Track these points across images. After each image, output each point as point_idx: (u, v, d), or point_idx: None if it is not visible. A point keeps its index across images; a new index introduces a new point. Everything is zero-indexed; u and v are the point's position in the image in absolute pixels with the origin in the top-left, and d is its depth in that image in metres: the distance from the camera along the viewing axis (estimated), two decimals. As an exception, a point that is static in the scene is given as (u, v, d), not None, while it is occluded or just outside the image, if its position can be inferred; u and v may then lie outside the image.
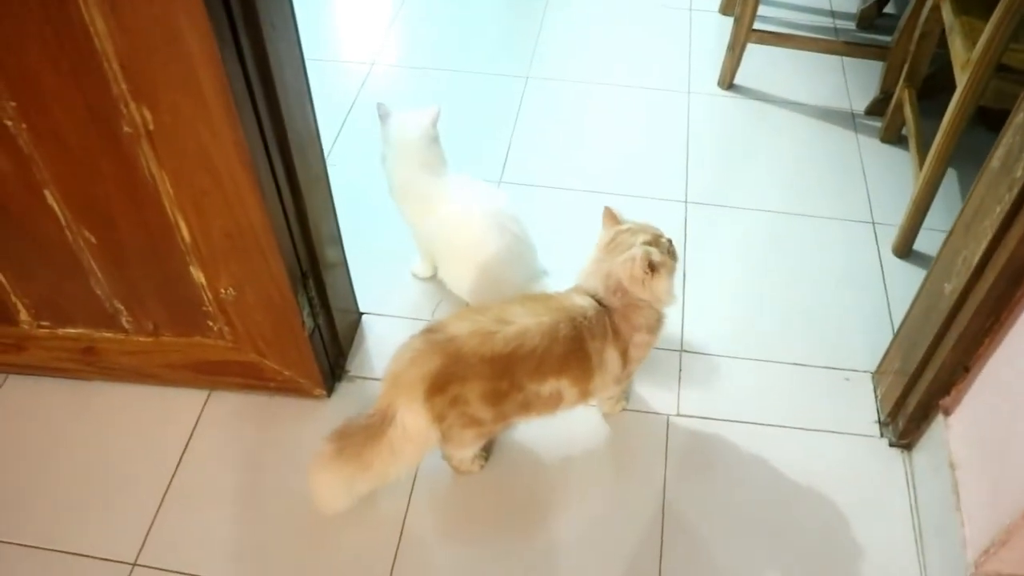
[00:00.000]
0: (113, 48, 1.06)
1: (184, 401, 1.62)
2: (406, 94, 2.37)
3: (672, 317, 1.48)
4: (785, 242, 1.97)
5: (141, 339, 1.55)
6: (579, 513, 1.50)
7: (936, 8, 1.89)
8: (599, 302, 1.40)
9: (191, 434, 1.58)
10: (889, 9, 2.62)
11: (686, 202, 2.05)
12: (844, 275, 1.90)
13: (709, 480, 1.54)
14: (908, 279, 1.86)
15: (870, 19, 2.60)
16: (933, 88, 2.11)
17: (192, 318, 1.49)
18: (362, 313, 1.78)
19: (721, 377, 1.70)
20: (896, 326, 1.74)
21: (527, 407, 1.38)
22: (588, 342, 1.37)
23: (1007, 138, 1.25)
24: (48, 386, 1.65)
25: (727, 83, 2.38)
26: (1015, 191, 1.20)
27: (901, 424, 1.55)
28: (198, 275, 1.39)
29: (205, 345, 1.54)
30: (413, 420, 1.31)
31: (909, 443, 1.56)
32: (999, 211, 1.23)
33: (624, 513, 1.49)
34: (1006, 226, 1.23)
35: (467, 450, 1.47)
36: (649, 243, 1.39)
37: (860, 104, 2.33)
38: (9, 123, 1.18)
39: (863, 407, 1.64)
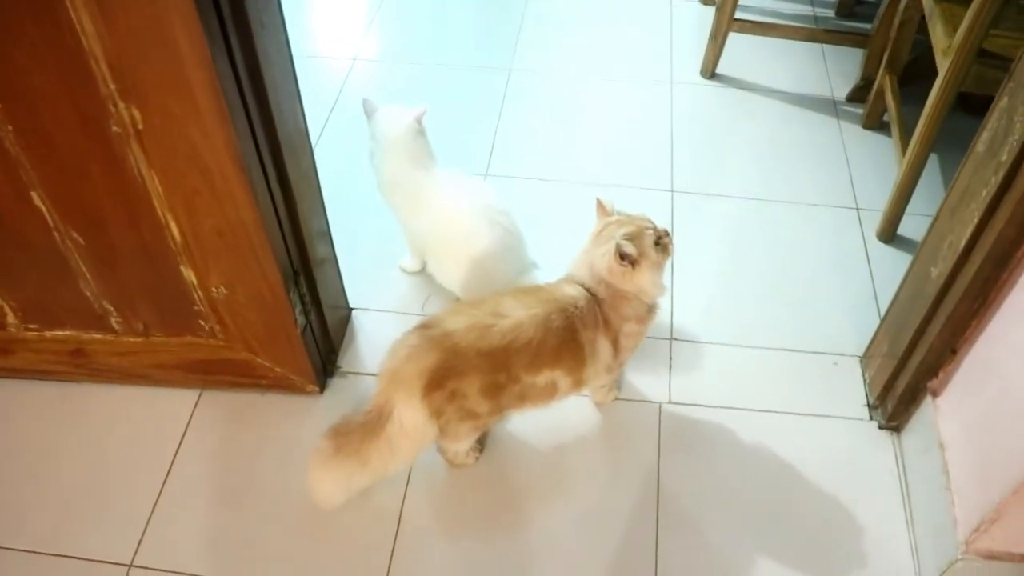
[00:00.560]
0: (101, 48, 1.05)
1: (176, 401, 1.62)
2: (389, 89, 2.36)
3: (662, 305, 1.49)
4: (771, 229, 1.99)
5: (131, 340, 1.54)
6: (574, 502, 1.51)
7: (916, -6, 1.91)
8: (589, 292, 1.41)
9: (184, 434, 1.58)
10: (867, -4, 2.64)
11: (672, 191, 2.06)
12: (830, 260, 1.91)
13: (702, 466, 1.56)
14: (893, 263, 1.88)
15: (849, 6, 2.62)
16: (914, 74, 2.13)
17: (183, 317, 1.48)
18: (352, 309, 1.78)
19: (711, 364, 1.71)
20: (882, 310, 1.76)
21: (523, 398, 1.39)
22: (580, 332, 1.38)
23: (992, 122, 1.26)
24: (37, 389, 1.64)
25: (709, 72, 2.39)
26: (1001, 174, 1.21)
27: (890, 406, 1.57)
28: (189, 274, 1.38)
29: (196, 344, 1.53)
30: (411, 416, 1.32)
31: (898, 425, 1.59)
32: (985, 194, 1.25)
33: (619, 500, 1.51)
34: (992, 209, 1.25)
35: (462, 443, 1.47)
36: (632, 235, 1.38)
37: (841, 91, 2.35)
38: (-6, 125, 1.17)
39: (852, 391, 1.66)
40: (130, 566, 1.41)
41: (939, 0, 1.75)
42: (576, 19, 2.62)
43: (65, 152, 1.20)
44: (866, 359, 1.70)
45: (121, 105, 1.12)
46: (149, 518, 1.47)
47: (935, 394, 1.47)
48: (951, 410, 1.43)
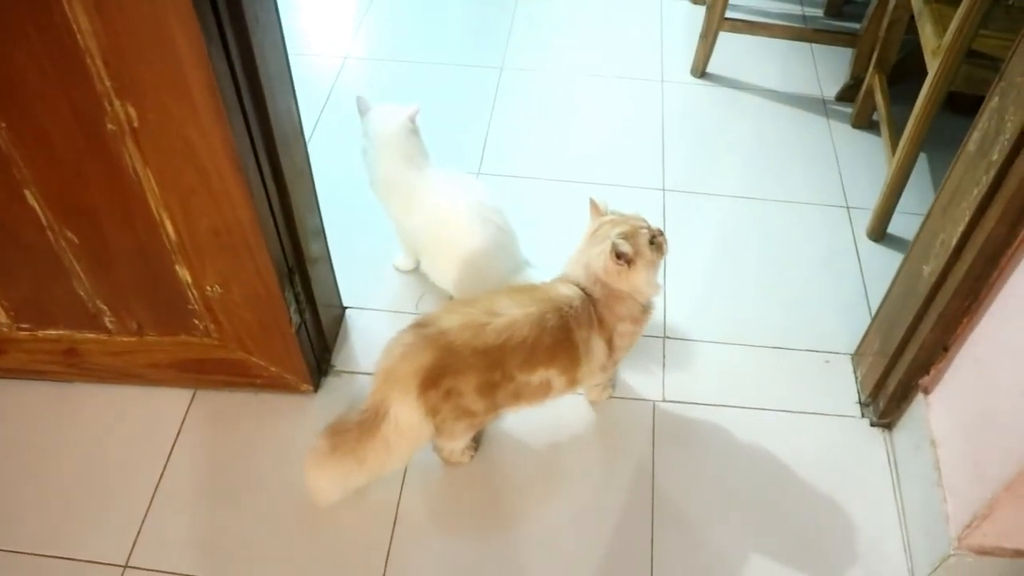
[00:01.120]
0: (97, 45, 1.05)
1: (169, 400, 1.61)
2: (380, 87, 2.36)
3: (656, 304, 1.50)
4: (762, 227, 2.00)
5: (125, 339, 1.53)
6: (569, 500, 1.51)
7: (905, -5, 1.92)
8: (584, 291, 1.41)
9: (178, 433, 1.57)
10: (855, -4, 2.66)
11: (663, 190, 2.07)
12: (820, 259, 1.93)
13: (696, 464, 1.56)
14: (883, 262, 1.89)
15: (837, 6, 2.63)
16: (903, 73, 2.15)
17: (177, 317, 1.47)
18: (345, 307, 1.78)
19: (705, 362, 1.72)
20: (873, 308, 1.78)
21: (518, 397, 1.39)
22: (575, 331, 1.38)
23: (983, 122, 1.27)
24: (29, 389, 1.62)
25: (700, 71, 2.40)
26: (992, 173, 1.22)
27: (882, 404, 1.58)
28: (184, 273, 1.38)
29: (190, 343, 1.53)
30: (407, 415, 1.32)
31: (890, 422, 1.60)
32: (976, 193, 1.26)
33: (613, 498, 1.51)
34: (983, 208, 1.26)
35: (458, 442, 1.47)
36: (627, 234, 1.39)
37: (830, 90, 2.37)
38: (-12, 122, 1.16)
39: (844, 388, 1.68)
40: (125, 567, 1.41)
41: (928, 0, 1.77)
42: (567, 18, 2.63)
43: (59, 150, 1.19)
44: (857, 357, 1.71)
45: (117, 103, 1.12)
46: (144, 518, 1.46)
47: (927, 391, 1.49)
48: (943, 407, 1.44)
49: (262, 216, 1.28)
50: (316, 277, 1.54)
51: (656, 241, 1.42)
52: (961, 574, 1.34)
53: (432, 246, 1.72)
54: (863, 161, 2.16)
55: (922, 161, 2.12)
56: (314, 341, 1.59)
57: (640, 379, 1.68)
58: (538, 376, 1.37)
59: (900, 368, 1.51)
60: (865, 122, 2.24)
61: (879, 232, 1.96)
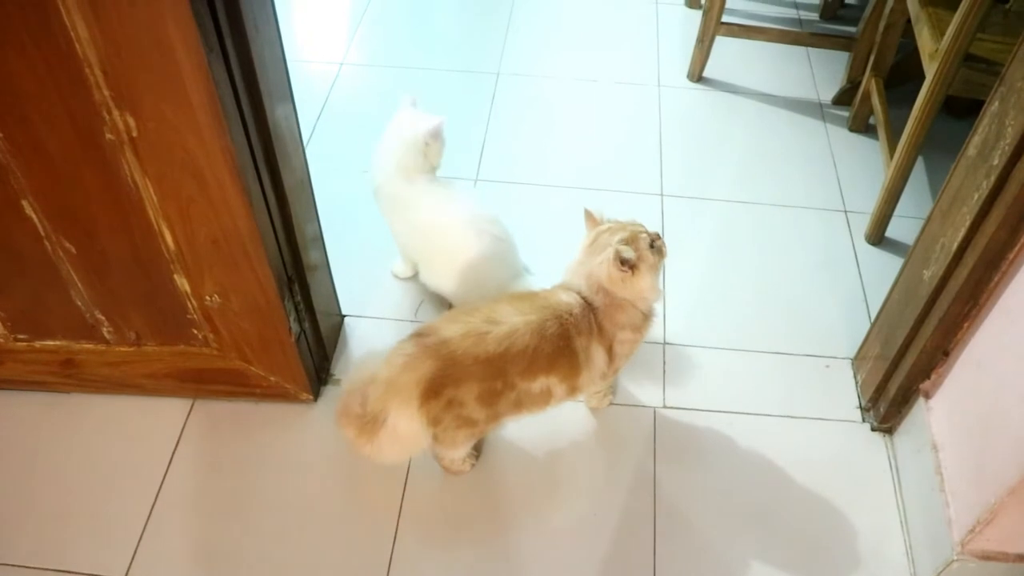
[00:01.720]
0: (96, 54, 1.04)
1: (168, 410, 1.60)
2: (377, 94, 2.35)
3: (656, 317, 1.49)
4: (760, 232, 2.00)
5: (123, 349, 1.52)
6: (570, 507, 1.51)
7: (901, -1, 1.92)
8: (584, 299, 1.41)
9: (177, 444, 1.56)
10: (851, 0, 2.66)
11: (662, 195, 2.07)
12: (819, 263, 1.93)
13: (698, 470, 1.56)
14: (882, 265, 1.90)
15: (833, 10, 2.64)
16: (899, 76, 2.16)
17: (176, 326, 1.46)
18: (344, 315, 1.77)
19: (705, 368, 1.72)
20: (872, 312, 1.78)
21: (519, 405, 1.38)
22: (575, 339, 1.37)
23: (983, 126, 1.27)
24: (26, 400, 1.61)
25: (697, 76, 2.40)
26: (992, 178, 1.23)
27: (882, 408, 1.58)
28: (182, 283, 1.37)
29: (189, 353, 1.52)
30: (407, 424, 1.32)
31: (891, 427, 1.60)
32: (977, 198, 1.26)
33: (615, 505, 1.51)
34: (984, 212, 1.26)
35: (459, 450, 1.47)
36: (626, 241, 1.38)
37: (827, 94, 2.37)
38: (-15, 131, 1.15)
39: (844, 393, 1.68)
40: (124, 578, 1.40)
41: (925, 4, 1.77)
42: (563, 23, 2.63)
43: (57, 160, 1.18)
44: (858, 361, 1.71)
45: (115, 112, 1.11)
46: (143, 530, 1.45)
47: (927, 396, 1.48)
48: (944, 412, 1.44)
49: (261, 225, 1.27)
50: (315, 285, 1.54)
51: (656, 244, 1.42)
52: (964, 579, 1.34)
53: (428, 258, 1.71)
54: (861, 165, 2.16)
55: (919, 164, 2.13)
56: (313, 350, 1.59)
57: (640, 386, 1.68)
58: (539, 384, 1.37)
59: (901, 372, 1.51)
60: (862, 126, 2.25)
61: (877, 236, 1.96)
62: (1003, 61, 1.24)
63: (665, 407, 1.65)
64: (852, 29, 2.35)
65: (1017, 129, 1.17)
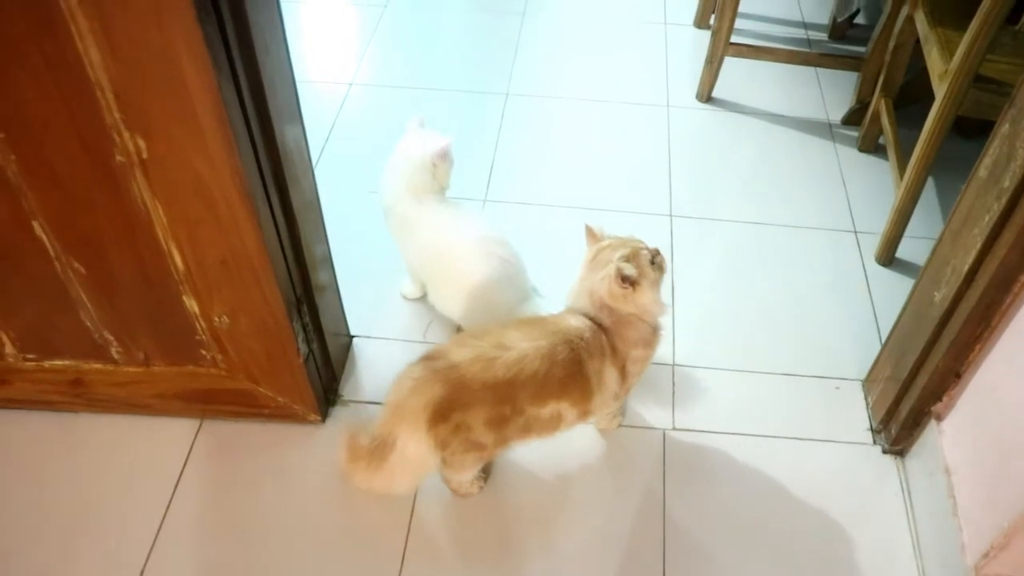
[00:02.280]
0: (107, 77, 1.05)
1: (176, 431, 1.60)
2: (386, 114, 2.36)
3: (664, 327, 1.48)
4: (770, 253, 1.99)
5: (131, 370, 1.52)
6: (580, 529, 1.49)
7: (910, 19, 1.92)
8: (593, 321, 1.41)
9: (184, 464, 1.56)
10: (859, 20, 2.67)
11: (671, 216, 2.07)
12: (829, 284, 1.92)
13: (708, 492, 1.55)
14: (893, 287, 1.88)
15: (842, 30, 2.64)
16: (909, 97, 2.15)
17: (184, 347, 1.46)
18: (352, 336, 1.77)
19: (714, 390, 1.71)
20: (883, 334, 1.76)
21: (528, 430, 1.38)
22: (587, 363, 1.37)
23: (993, 148, 1.27)
24: (35, 420, 1.61)
25: (705, 96, 2.41)
26: (1003, 201, 1.22)
27: (894, 431, 1.57)
28: (191, 304, 1.37)
29: (197, 374, 1.52)
30: (415, 448, 1.31)
31: (902, 450, 1.58)
32: (988, 220, 1.26)
33: (624, 527, 1.49)
34: (995, 235, 1.25)
35: (467, 473, 1.46)
36: (627, 257, 1.38)
37: (836, 114, 2.37)
38: (-3, 154, 1.16)
39: (855, 415, 1.66)
40: (130, 600, 1.39)
41: (934, 25, 1.77)
42: (572, 44, 2.64)
43: (68, 181, 1.19)
44: (868, 383, 1.70)
45: (126, 134, 1.12)
46: (151, 549, 1.44)
47: (939, 418, 1.47)
48: (956, 434, 1.43)
49: (271, 246, 1.28)
50: (323, 306, 1.54)
51: (656, 260, 1.42)
52: (979, 605, 1.32)
53: (436, 281, 1.71)
54: (870, 185, 2.16)
55: (930, 185, 2.12)
56: (321, 371, 1.58)
57: (650, 407, 1.67)
58: (549, 409, 1.36)
59: (912, 395, 1.50)
60: (871, 146, 2.24)
61: (888, 257, 1.95)
62: (1013, 82, 1.24)
63: (675, 429, 1.64)
64: (861, 49, 2.34)
65: (1028, 151, 1.17)
